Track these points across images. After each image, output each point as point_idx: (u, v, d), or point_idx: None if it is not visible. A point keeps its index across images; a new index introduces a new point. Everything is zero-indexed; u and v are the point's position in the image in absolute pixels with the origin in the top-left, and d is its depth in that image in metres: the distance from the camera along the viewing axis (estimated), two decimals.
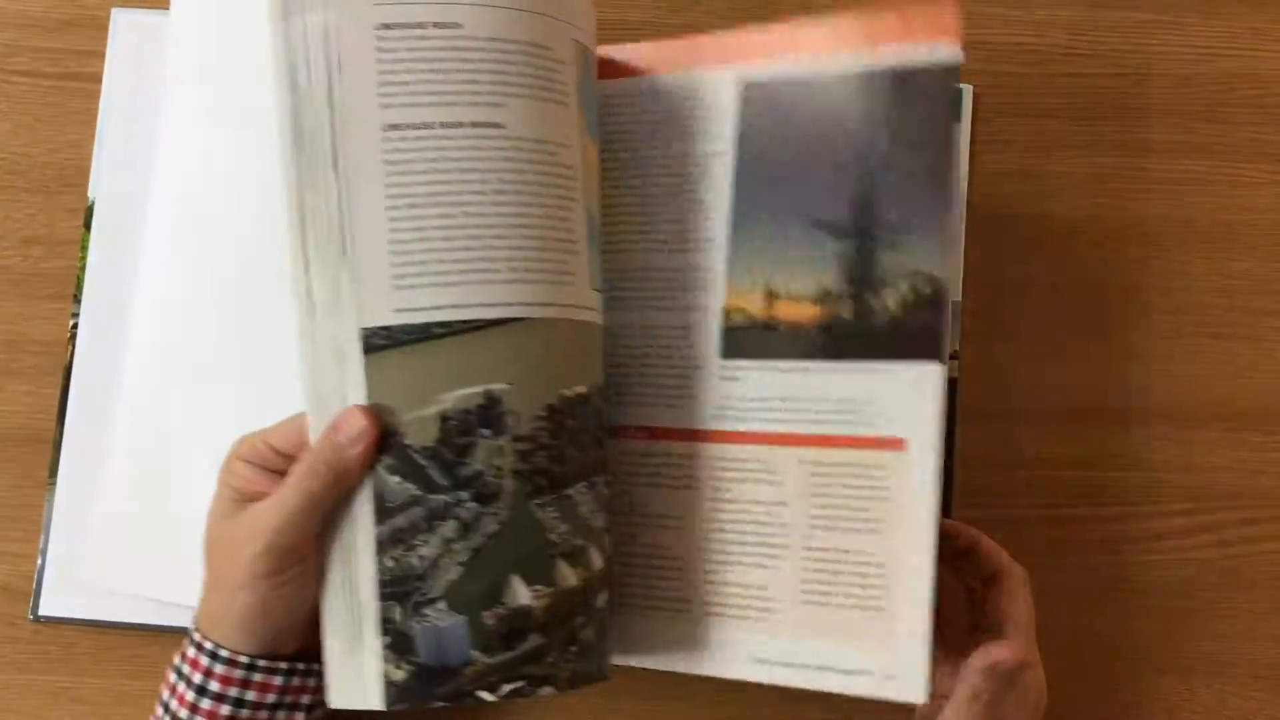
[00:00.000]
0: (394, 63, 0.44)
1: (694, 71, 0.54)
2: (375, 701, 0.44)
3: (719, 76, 0.53)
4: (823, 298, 0.50)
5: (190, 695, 0.45)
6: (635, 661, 0.50)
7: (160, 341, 0.54)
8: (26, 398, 0.55)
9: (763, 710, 0.55)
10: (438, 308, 0.44)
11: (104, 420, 0.54)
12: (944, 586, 0.49)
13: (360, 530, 0.44)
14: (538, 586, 0.45)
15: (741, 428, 0.51)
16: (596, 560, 0.47)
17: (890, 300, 0.50)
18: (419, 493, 0.44)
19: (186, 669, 0.45)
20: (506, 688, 0.44)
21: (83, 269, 0.56)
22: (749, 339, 0.51)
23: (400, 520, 0.44)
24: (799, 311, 0.51)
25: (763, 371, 0.51)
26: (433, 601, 0.44)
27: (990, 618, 0.49)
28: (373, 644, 0.44)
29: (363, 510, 0.44)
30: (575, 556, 0.46)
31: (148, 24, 0.57)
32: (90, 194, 0.56)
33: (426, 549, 0.44)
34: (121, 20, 0.58)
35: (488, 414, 0.45)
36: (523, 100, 0.45)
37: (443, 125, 0.44)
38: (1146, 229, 0.59)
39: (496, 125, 0.45)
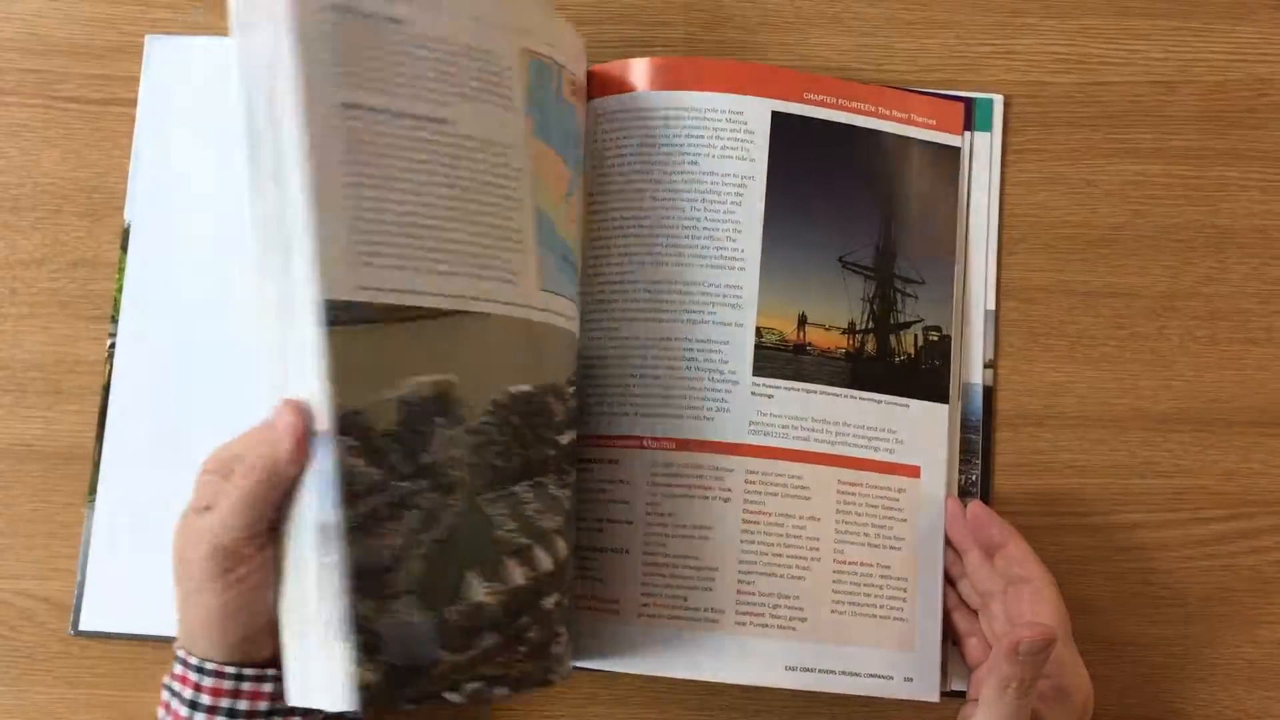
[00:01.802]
0: (347, 46, 0.43)
1: (735, 93, 0.55)
2: (344, 702, 0.41)
3: (757, 102, 0.55)
4: (850, 331, 0.55)
5: (184, 711, 0.45)
6: (669, 672, 0.51)
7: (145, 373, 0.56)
8: (75, 416, 0.56)
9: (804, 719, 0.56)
10: (399, 291, 0.43)
11: (141, 439, 0.56)
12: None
13: (311, 523, 0.42)
14: (491, 583, 0.44)
15: (774, 443, 0.53)
16: (544, 562, 0.46)
17: (907, 343, 0.56)
18: (381, 478, 0.42)
19: (177, 686, 0.45)
20: (469, 687, 0.43)
21: (119, 290, 0.57)
22: (780, 359, 0.54)
23: (364, 506, 0.42)
24: (829, 340, 0.55)
25: (793, 391, 0.53)
26: (400, 596, 0.42)
27: (1015, 621, 0.50)
28: (334, 640, 0.41)
29: (313, 503, 0.42)
30: (522, 555, 0.46)
31: (181, 49, 0.58)
32: (126, 217, 0.57)
33: (393, 539, 0.42)
34: (155, 46, 0.59)
35: (443, 403, 0.44)
36: (467, 101, 0.46)
37: (392, 114, 0.44)
38: (1181, 236, 0.59)
39: (443, 121, 0.45)
